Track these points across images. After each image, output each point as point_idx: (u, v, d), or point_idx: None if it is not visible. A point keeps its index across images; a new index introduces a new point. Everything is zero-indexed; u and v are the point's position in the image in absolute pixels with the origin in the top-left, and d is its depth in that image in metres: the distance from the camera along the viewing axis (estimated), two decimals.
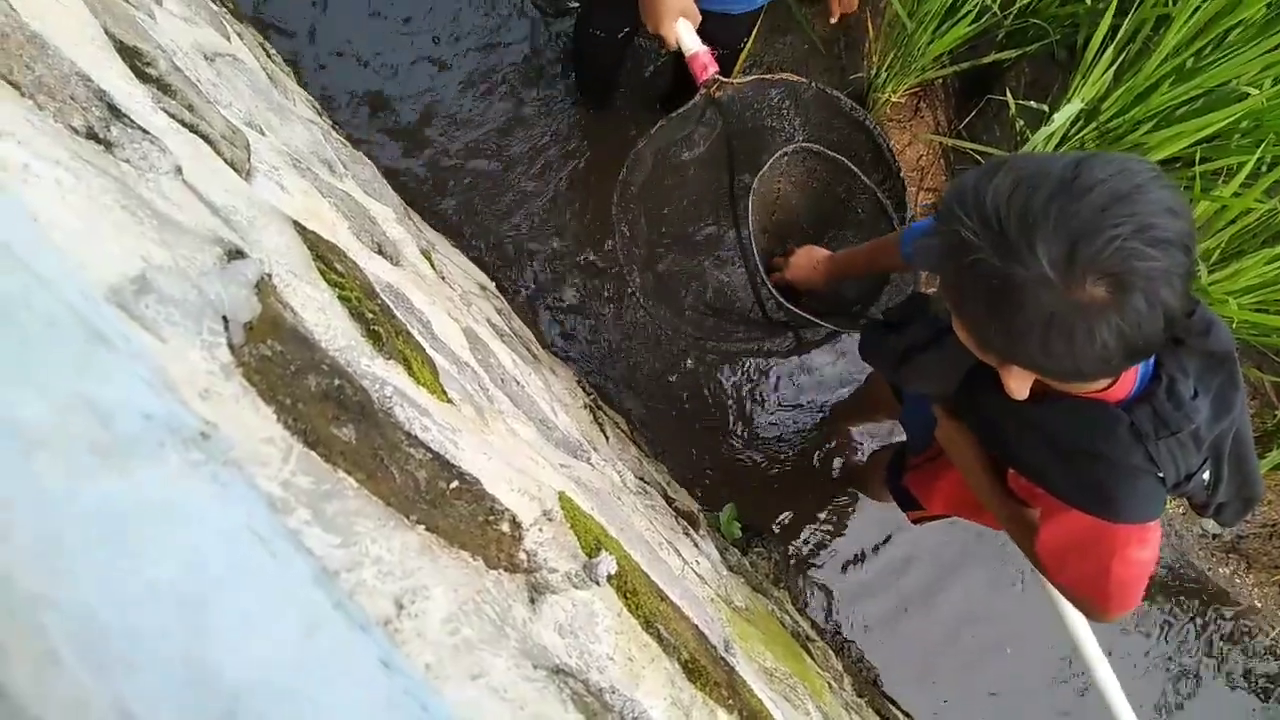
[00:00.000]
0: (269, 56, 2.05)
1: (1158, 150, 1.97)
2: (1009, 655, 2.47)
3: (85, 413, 0.25)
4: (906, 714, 2.38)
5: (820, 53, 2.59)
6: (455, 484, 0.52)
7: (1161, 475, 0.96)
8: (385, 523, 0.42)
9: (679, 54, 1.56)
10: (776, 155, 1.65)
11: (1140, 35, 2.03)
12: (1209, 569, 2.61)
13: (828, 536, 2.51)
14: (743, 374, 2.51)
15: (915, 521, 1.78)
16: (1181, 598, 2.59)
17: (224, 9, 2.01)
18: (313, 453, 0.42)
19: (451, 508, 0.50)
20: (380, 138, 2.48)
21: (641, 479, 1.81)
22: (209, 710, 0.19)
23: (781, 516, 2.50)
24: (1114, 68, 1.96)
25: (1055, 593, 1.33)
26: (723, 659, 0.81)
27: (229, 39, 1.54)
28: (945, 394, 1.25)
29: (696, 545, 1.52)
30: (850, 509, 2.52)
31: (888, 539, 2.49)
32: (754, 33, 2.02)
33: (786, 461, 2.51)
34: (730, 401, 2.49)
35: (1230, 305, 1.79)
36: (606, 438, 1.86)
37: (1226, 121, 1.82)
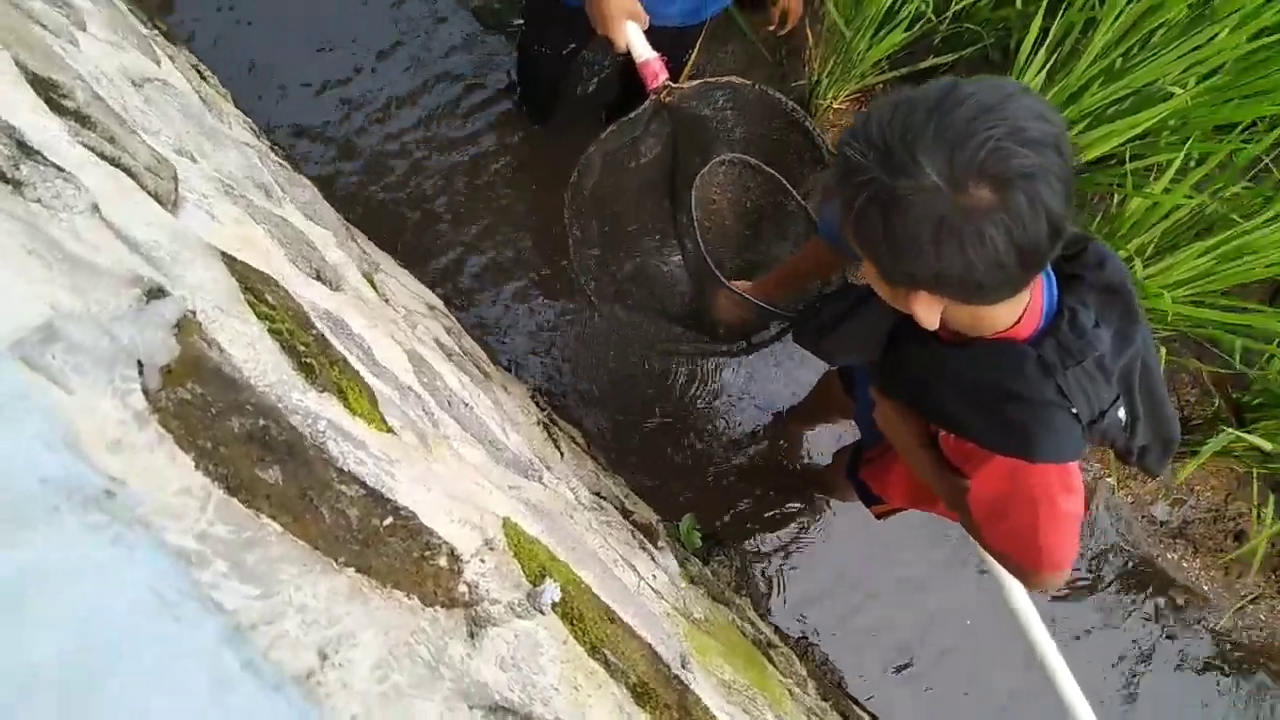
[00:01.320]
0: (203, 78, 2.01)
1: (1091, 149, 2.02)
2: (976, 650, 2.50)
3: None
4: (872, 715, 2.39)
5: (763, 60, 2.61)
6: (390, 520, 0.52)
7: (1075, 411, 0.99)
8: (311, 568, 0.41)
9: (623, 63, 1.56)
10: (713, 162, 1.66)
11: (1070, 38, 2.08)
12: (1157, 554, 2.67)
13: (789, 540, 2.52)
14: (698, 382, 2.51)
15: (879, 516, 1.80)
16: (1132, 583, 2.65)
17: (155, 31, 1.97)
18: (234, 499, 0.41)
19: (385, 545, 0.50)
20: (322, 159, 2.45)
21: (598, 494, 1.80)
22: None
23: (742, 523, 2.51)
24: (1046, 69, 2.01)
25: (1003, 575, 1.35)
26: (675, 677, 0.80)
27: (159, 63, 1.50)
28: (871, 359, 1.29)
29: (654, 559, 1.52)
30: (811, 511, 2.53)
31: (849, 539, 2.51)
32: (698, 44, 2.03)
33: (745, 467, 2.52)
34: (687, 410, 2.50)
35: (1165, 299, 1.84)
36: (561, 453, 1.85)
37: (1154, 120, 1.87)
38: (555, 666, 0.55)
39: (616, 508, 1.83)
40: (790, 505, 2.53)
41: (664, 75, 1.51)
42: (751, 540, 2.52)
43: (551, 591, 0.60)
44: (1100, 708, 2.47)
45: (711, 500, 2.48)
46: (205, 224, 0.86)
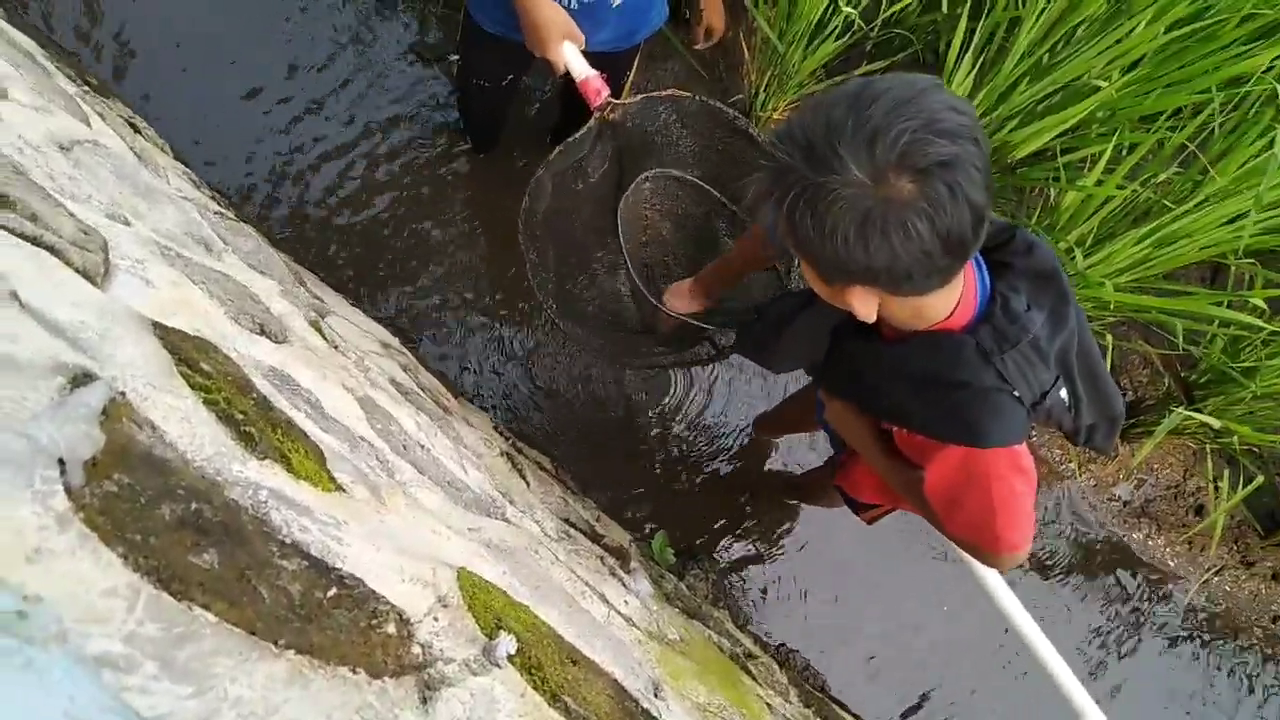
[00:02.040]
0: (137, 132, 1.99)
1: (1024, 146, 2.07)
2: (953, 650, 2.52)
3: None
4: (855, 715, 2.41)
5: (701, 77, 2.64)
6: (334, 591, 0.51)
7: (1017, 394, 1.02)
8: (247, 656, 0.41)
9: (564, 86, 1.56)
10: (637, 180, 1.67)
11: (996, 38, 2.13)
12: (1123, 535, 2.73)
13: (764, 549, 2.54)
14: (665, 397, 2.52)
15: (869, 522, 1.81)
16: (1100, 564, 2.70)
17: (84, 88, 1.94)
18: (164, 594, 0.41)
19: (329, 618, 0.49)
20: (269, 204, 2.43)
21: (567, 521, 1.80)
22: None
23: (717, 535, 2.52)
24: (975, 70, 2.05)
25: (972, 560, 1.37)
26: (645, 711, 0.80)
27: (89, 123, 1.49)
28: (814, 361, 1.32)
29: (625, 585, 1.52)
30: (785, 519, 2.55)
31: (824, 544, 2.53)
32: (634, 65, 2.05)
33: (716, 480, 2.53)
34: (654, 427, 2.50)
35: (1106, 288, 1.88)
36: (527, 483, 1.85)
37: (1082, 114, 1.92)
38: None
39: (586, 533, 1.83)
40: (763, 515, 2.55)
41: (606, 92, 1.52)
42: (727, 552, 2.53)
43: (506, 645, 0.60)
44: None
45: (684, 515, 2.49)
46: (139, 291, 0.86)
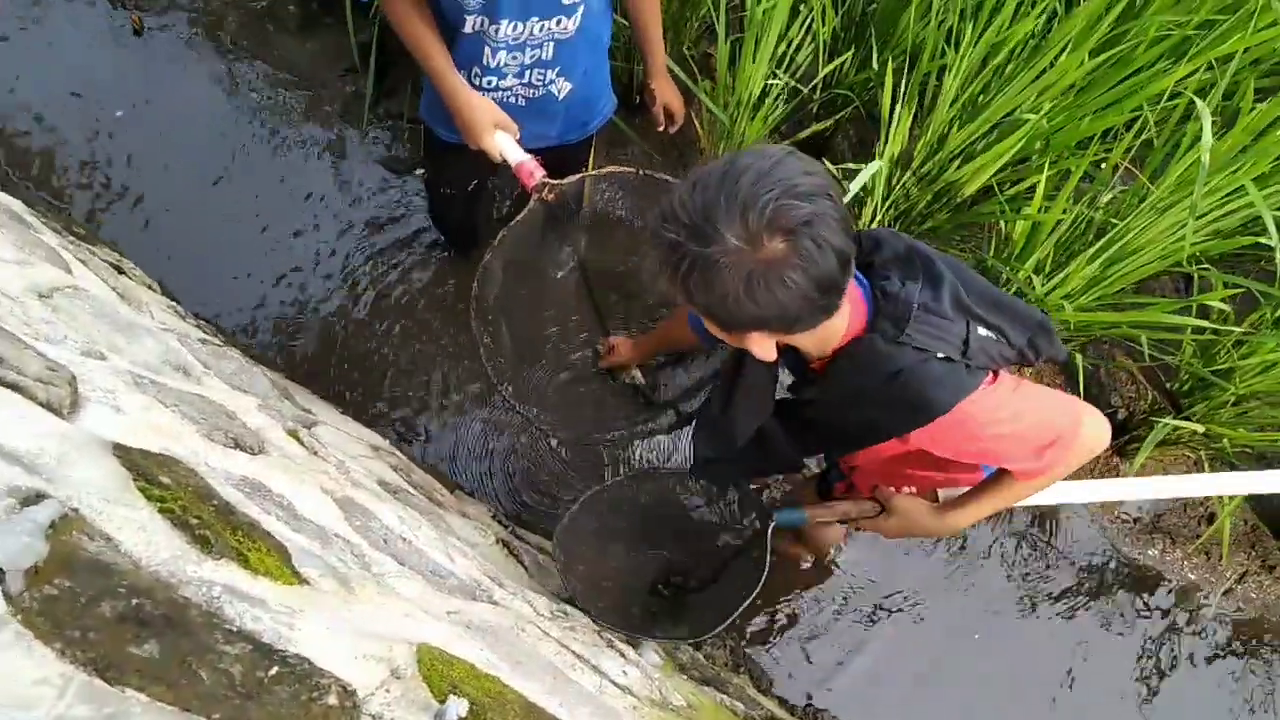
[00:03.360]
0: (121, 273, 2.08)
1: (970, 184, 2.14)
2: (986, 689, 2.49)
3: None
4: None
5: (658, 158, 2.74)
6: (275, 670, 0.55)
7: (941, 355, 1.11)
8: None
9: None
10: (564, 273, 1.71)
11: (929, 87, 2.23)
12: (1138, 554, 2.70)
13: (780, 612, 2.52)
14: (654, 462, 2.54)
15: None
16: (1121, 585, 2.67)
17: (69, 238, 2.05)
18: (97, 680, 0.44)
19: (270, 694, 0.53)
20: (253, 325, 2.52)
21: (569, 601, 1.81)
22: None
23: None
24: (911, 120, 2.14)
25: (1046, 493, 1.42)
26: None
27: (69, 269, 1.57)
28: (767, 415, 1.40)
29: (623, 655, 1.53)
30: (797, 579, 2.54)
31: (844, 602, 2.51)
32: (591, 155, 2.12)
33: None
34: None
35: (1066, 310, 1.93)
36: (525, 568, 1.87)
37: (1016, 146, 1.99)
38: None
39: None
40: (775, 577, 2.53)
41: (540, 174, 1.58)
42: (742, 618, 2.51)
43: (456, 707, 0.63)
44: (1120, 709, 2.47)
45: None
46: (108, 418, 0.91)
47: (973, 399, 1.13)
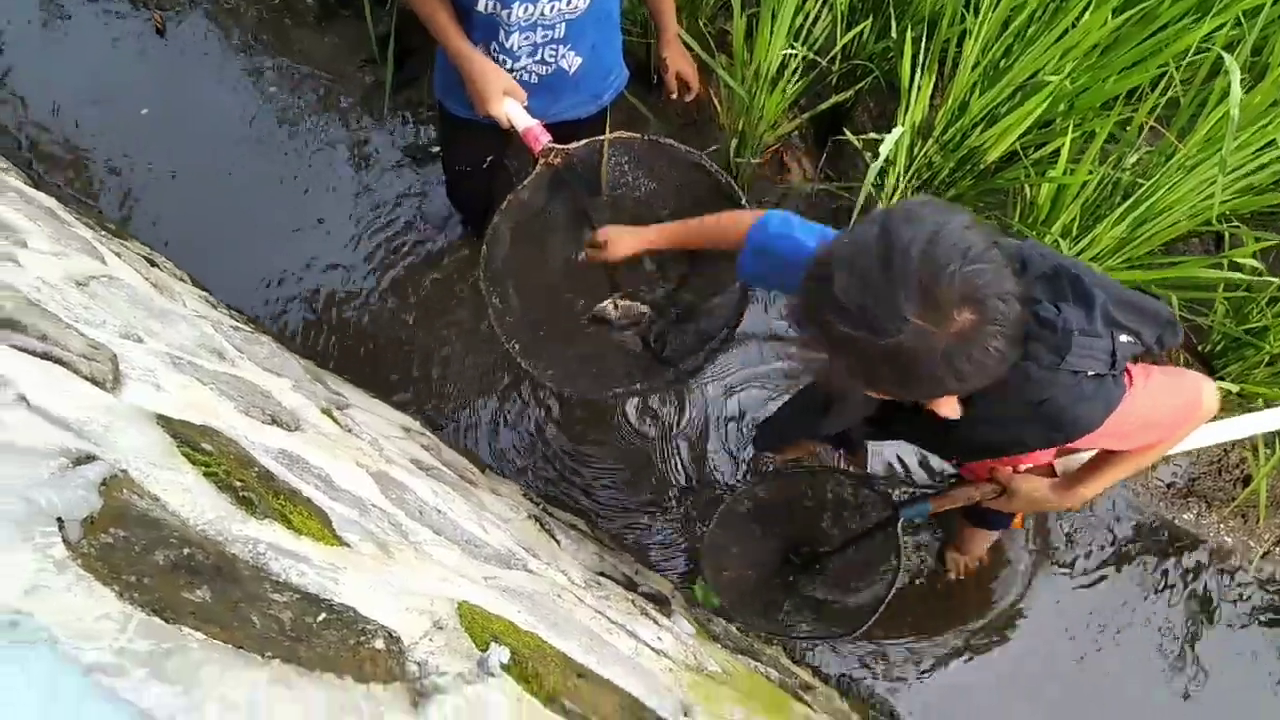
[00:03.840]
0: (154, 266, 2.12)
1: (994, 149, 2.12)
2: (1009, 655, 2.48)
3: None
4: None
5: (677, 136, 2.73)
6: (323, 616, 0.57)
7: (1091, 373, 1.10)
8: (232, 666, 0.46)
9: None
10: (585, 143, 1.66)
11: (949, 54, 2.20)
12: (1174, 518, 2.68)
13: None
14: (685, 446, 2.55)
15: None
16: (1157, 550, 2.64)
17: (104, 233, 2.09)
18: (156, 618, 0.46)
19: (318, 638, 0.55)
20: (284, 316, 2.55)
21: (600, 574, 1.83)
22: None
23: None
24: (933, 87, 2.12)
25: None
26: (660, 718, 0.84)
27: (104, 261, 1.61)
28: (869, 414, 1.40)
29: (658, 623, 1.54)
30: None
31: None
32: (606, 129, 2.12)
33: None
34: (684, 478, 2.53)
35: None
36: (558, 542, 1.89)
37: (1040, 108, 1.97)
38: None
39: (621, 583, 1.86)
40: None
41: (546, 138, 1.60)
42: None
43: (498, 654, 0.64)
44: (1159, 677, 2.45)
45: None
46: (149, 395, 0.93)
47: (1119, 408, 1.14)
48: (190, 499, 0.68)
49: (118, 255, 1.80)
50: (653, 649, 1.30)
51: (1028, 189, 2.14)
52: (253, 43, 2.89)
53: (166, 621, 0.47)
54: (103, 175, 2.68)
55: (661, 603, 1.92)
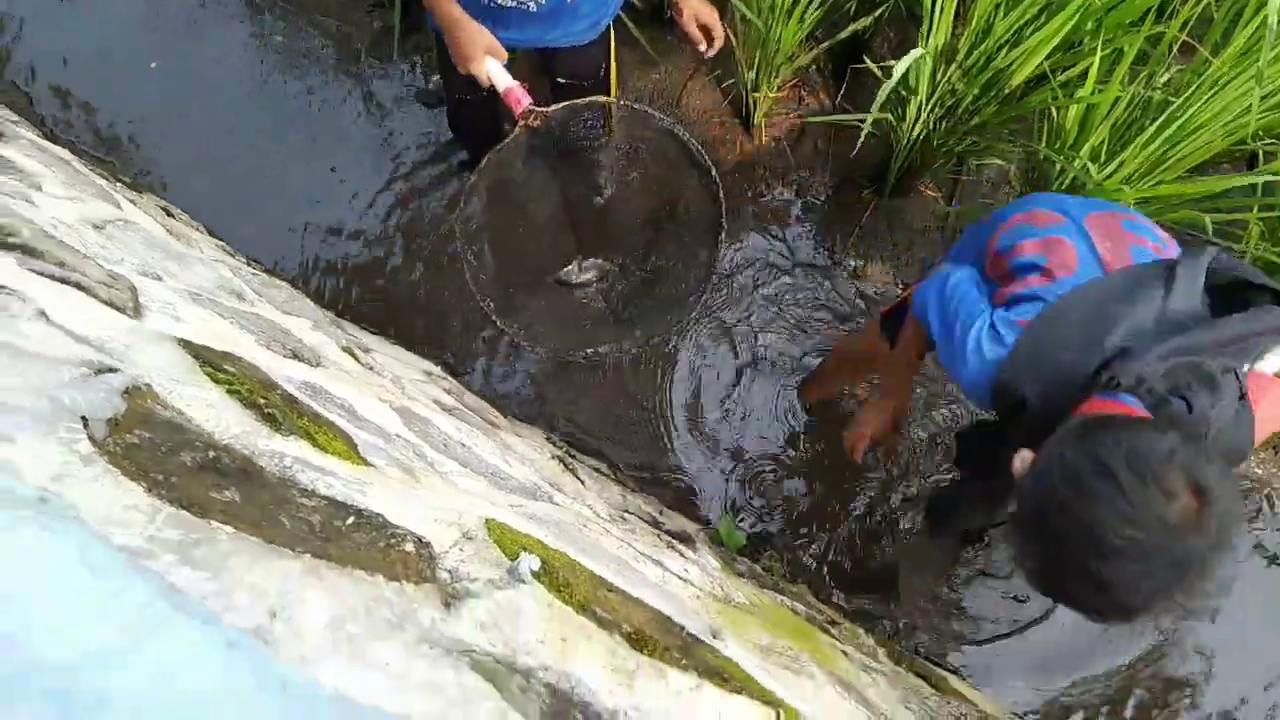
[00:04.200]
0: (170, 215, 2.11)
1: (1019, 72, 2.06)
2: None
3: None
4: (953, 670, 2.37)
5: (691, 71, 2.68)
6: (352, 520, 0.56)
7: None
8: (261, 557, 0.45)
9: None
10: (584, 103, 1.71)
11: None
12: None
13: (841, 526, 2.51)
14: (710, 389, 2.54)
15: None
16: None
17: (119, 184, 2.08)
18: (185, 513, 0.46)
19: (348, 540, 0.54)
20: (301, 265, 2.55)
21: (624, 511, 1.84)
22: (34, 683, 0.23)
23: (788, 516, 2.51)
24: (955, 9, 2.05)
25: None
26: (691, 635, 0.83)
27: (120, 207, 1.60)
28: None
29: (684, 556, 1.55)
30: (858, 494, 2.52)
31: (899, 508, 2.50)
32: (611, 58, 2.05)
33: (780, 462, 2.52)
34: (706, 419, 2.52)
35: (1125, 193, 1.86)
36: (582, 481, 1.89)
37: (1068, 28, 1.90)
38: (539, 625, 0.59)
39: (646, 521, 1.86)
40: (833, 492, 2.53)
41: (526, 101, 1.63)
42: (801, 531, 2.51)
43: (528, 562, 0.64)
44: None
45: (750, 501, 2.49)
46: (169, 324, 0.93)
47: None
48: (214, 414, 0.67)
49: (133, 203, 1.79)
50: (679, 578, 1.30)
51: (1055, 112, 2.08)
52: None
53: (195, 516, 0.46)
54: (115, 129, 2.67)
55: (686, 540, 1.93)
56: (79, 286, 0.78)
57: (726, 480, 2.49)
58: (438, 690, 0.43)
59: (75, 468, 0.43)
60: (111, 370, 0.60)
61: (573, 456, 2.18)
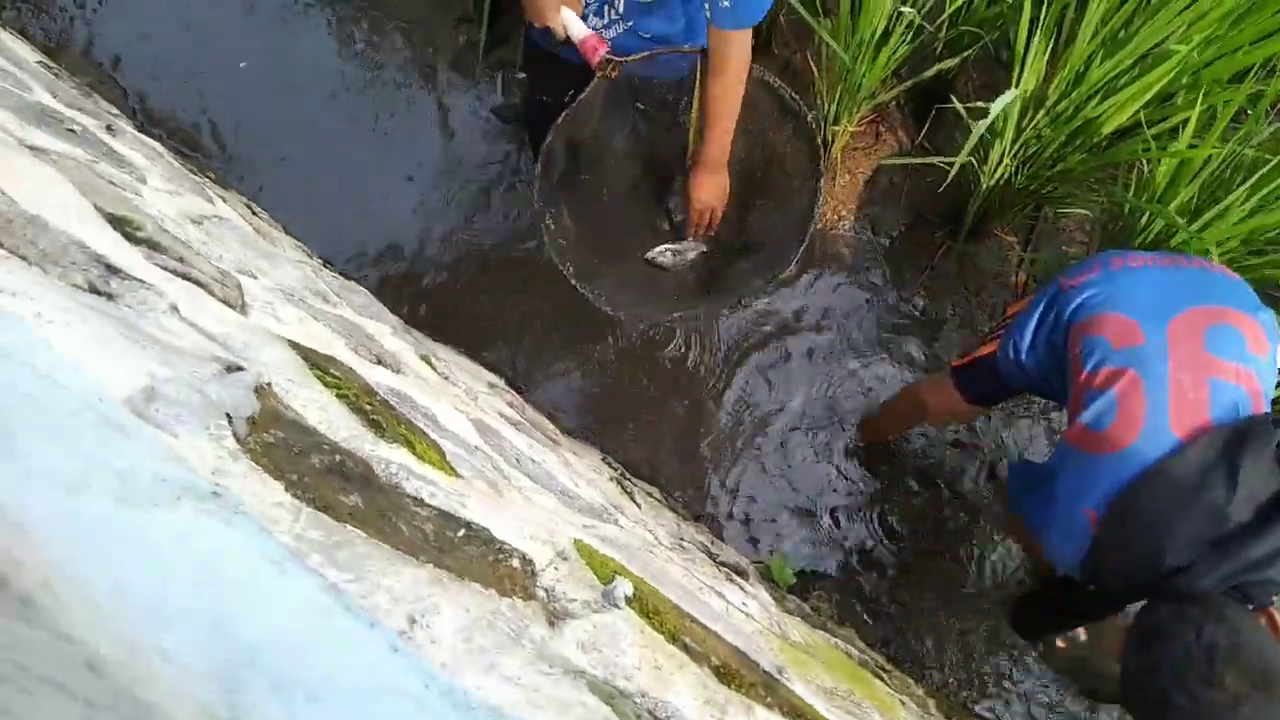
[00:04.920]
0: (254, 213, 2.17)
1: (1110, 122, 2.03)
2: None
3: (107, 472, 0.30)
4: None
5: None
6: (463, 532, 0.57)
7: None
8: (393, 562, 0.46)
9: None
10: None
11: (1066, 19, 2.11)
12: None
13: (890, 572, 2.48)
14: (769, 421, 2.52)
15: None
16: None
17: (206, 179, 2.14)
18: (322, 514, 0.47)
19: (461, 551, 0.55)
20: (373, 273, 2.60)
21: (680, 539, 1.83)
22: (231, 658, 0.24)
23: (839, 556, 2.48)
24: (1048, 54, 2.04)
25: None
26: (766, 672, 0.83)
27: (212, 202, 1.65)
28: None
29: (743, 589, 1.53)
30: (906, 538, 2.49)
31: (946, 564, 2.46)
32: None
33: (834, 500, 2.50)
34: (763, 451, 2.50)
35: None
36: (639, 505, 1.89)
37: (1164, 81, 1.87)
38: (635, 650, 0.59)
39: (702, 551, 1.85)
40: (888, 535, 2.50)
41: (603, 49, 1.56)
42: (853, 574, 2.48)
43: (623, 587, 0.64)
44: None
45: (801, 538, 2.47)
46: (271, 323, 0.95)
47: None
48: (326, 417, 0.68)
49: (223, 199, 1.84)
50: (741, 612, 1.29)
51: (1144, 164, 2.04)
52: None
53: (331, 517, 0.47)
54: (202, 128, 2.75)
55: (741, 574, 1.91)
56: (198, 283, 0.81)
57: (778, 516, 2.47)
58: (566, 708, 0.43)
59: (227, 464, 0.44)
60: (240, 368, 0.62)
61: (627, 479, 2.18)
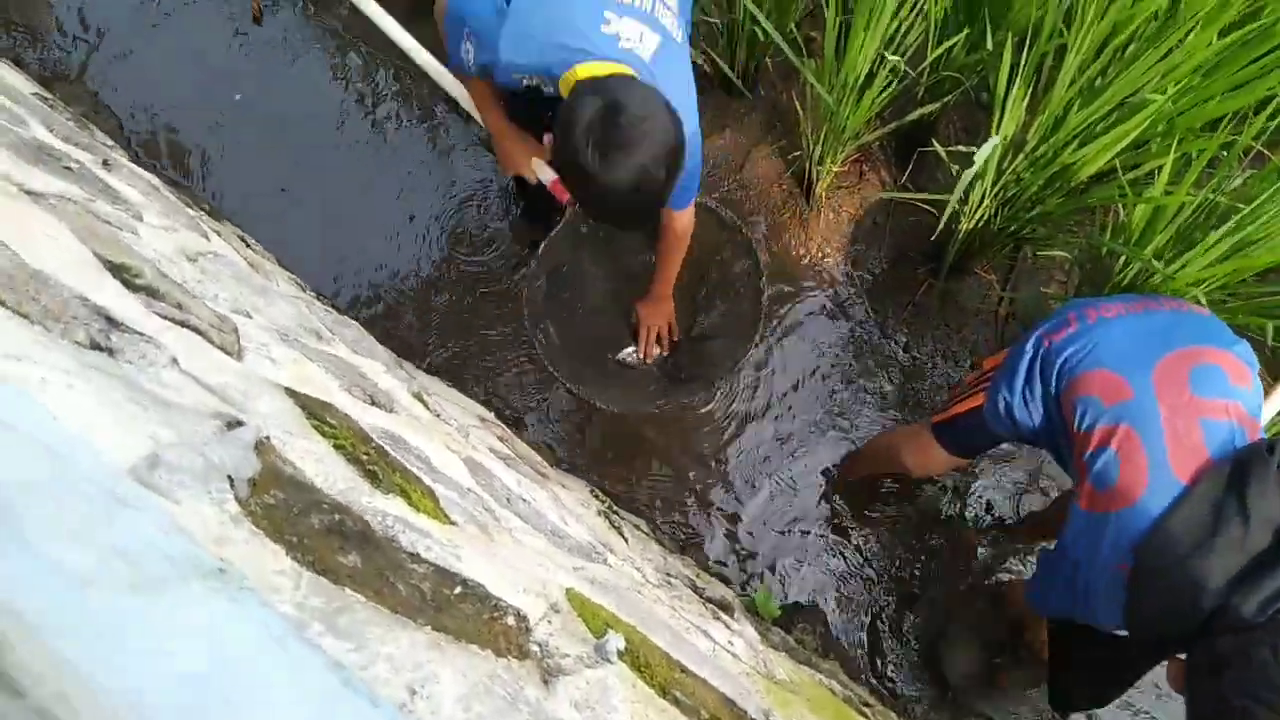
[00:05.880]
0: (248, 246, 2.18)
1: (1087, 167, 2.07)
2: None
3: (118, 559, 0.31)
4: None
5: (758, 140, 2.73)
6: (459, 589, 0.58)
7: None
8: (392, 628, 0.47)
9: None
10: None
11: (1045, 67, 2.16)
12: None
13: (873, 603, 2.49)
14: (752, 455, 2.54)
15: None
16: None
17: (200, 212, 2.15)
18: (322, 578, 0.48)
19: (457, 610, 0.56)
20: (364, 306, 2.61)
21: (666, 574, 1.84)
22: None
23: (820, 589, 2.49)
24: (1026, 101, 2.09)
25: None
26: (752, 718, 0.84)
27: (208, 238, 1.66)
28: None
29: (729, 627, 1.54)
30: (890, 574, 2.51)
31: (931, 592, 2.48)
32: None
33: (816, 535, 2.51)
34: (746, 484, 2.52)
35: (1195, 293, 1.86)
36: (625, 539, 1.90)
37: (1140, 129, 1.92)
38: (627, 706, 0.60)
39: (687, 585, 1.85)
40: (870, 569, 2.51)
41: None
42: (834, 606, 2.50)
43: (615, 641, 0.65)
44: None
45: (785, 571, 2.48)
46: (267, 367, 0.96)
47: None
48: (323, 469, 0.70)
49: (217, 234, 1.86)
50: (727, 652, 1.30)
51: (1120, 209, 2.09)
52: (343, 33, 2.96)
53: (330, 581, 0.48)
54: (196, 159, 2.77)
55: (726, 609, 1.92)
56: (196, 329, 0.82)
57: (761, 550, 2.49)
58: None
59: (230, 530, 0.45)
60: (240, 423, 0.63)
61: (615, 512, 2.19)
